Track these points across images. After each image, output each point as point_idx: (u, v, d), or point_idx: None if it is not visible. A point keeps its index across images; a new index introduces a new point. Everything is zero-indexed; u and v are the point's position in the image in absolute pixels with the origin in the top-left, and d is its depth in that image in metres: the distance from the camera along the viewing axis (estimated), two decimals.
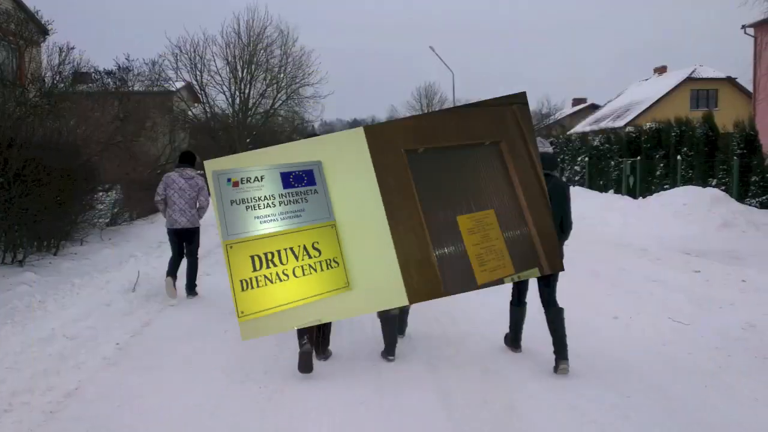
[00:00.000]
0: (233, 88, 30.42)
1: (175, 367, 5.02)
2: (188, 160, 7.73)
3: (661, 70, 43.11)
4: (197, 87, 29.88)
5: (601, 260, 9.32)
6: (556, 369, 4.77)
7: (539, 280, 4.90)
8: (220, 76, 30.30)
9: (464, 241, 4.61)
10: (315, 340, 5.02)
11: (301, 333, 4.78)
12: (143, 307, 7.07)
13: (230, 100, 30.67)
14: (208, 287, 7.82)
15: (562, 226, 4.89)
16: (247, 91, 30.47)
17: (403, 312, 5.52)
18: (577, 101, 58.25)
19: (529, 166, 4.77)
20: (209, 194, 5.26)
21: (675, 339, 5.60)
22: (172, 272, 7.40)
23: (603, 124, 39.11)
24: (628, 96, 43.51)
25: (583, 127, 44.01)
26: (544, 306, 4.96)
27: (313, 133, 6.87)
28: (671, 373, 4.77)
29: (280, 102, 31.55)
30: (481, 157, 4.87)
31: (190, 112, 30.27)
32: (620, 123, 37.19)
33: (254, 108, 30.96)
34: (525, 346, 5.30)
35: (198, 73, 29.41)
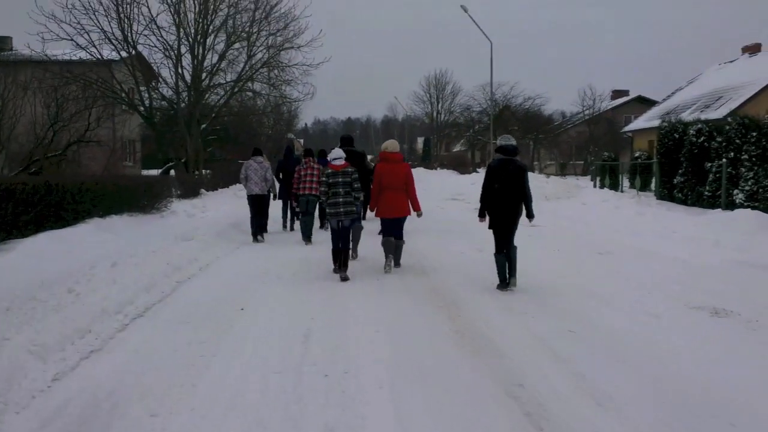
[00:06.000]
0: (180, 45, 19.69)
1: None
2: (258, 152, 11.66)
3: (753, 49, 33.44)
4: (122, 38, 18.90)
5: None
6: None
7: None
8: (156, 24, 19.44)
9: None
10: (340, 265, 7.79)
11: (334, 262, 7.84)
12: None
13: (174, 69, 19.90)
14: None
15: (525, 197, 6.69)
16: (200, 52, 19.73)
17: (398, 247, 8.21)
18: (617, 94, 48.47)
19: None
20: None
21: None
22: (254, 233, 10.93)
23: (684, 116, 29.24)
24: (708, 82, 33.84)
25: (646, 122, 34.40)
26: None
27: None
28: None
29: (254, 71, 20.80)
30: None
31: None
32: (713, 114, 27.66)
33: (209, 78, 20.03)
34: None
35: (125, 19, 18.70)
